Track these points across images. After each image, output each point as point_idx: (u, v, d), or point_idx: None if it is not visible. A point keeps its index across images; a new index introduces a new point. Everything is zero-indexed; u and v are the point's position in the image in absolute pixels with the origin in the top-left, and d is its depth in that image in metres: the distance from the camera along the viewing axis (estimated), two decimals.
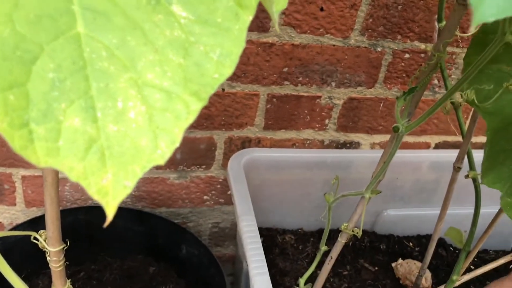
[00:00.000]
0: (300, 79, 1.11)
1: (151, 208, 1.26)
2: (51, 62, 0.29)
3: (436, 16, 1.01)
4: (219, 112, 1.12)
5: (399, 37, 1.09)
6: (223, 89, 1.09)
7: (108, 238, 1.18)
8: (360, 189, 0.83)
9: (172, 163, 1.19)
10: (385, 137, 1.26)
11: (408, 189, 1.28)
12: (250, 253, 0.91)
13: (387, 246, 1.30)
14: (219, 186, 1.26)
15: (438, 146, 1.30)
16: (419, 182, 1.28)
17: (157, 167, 1.17)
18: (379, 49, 1.10)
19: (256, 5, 0.33)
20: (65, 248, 0.70)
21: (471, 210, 0.94)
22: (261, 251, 0.91)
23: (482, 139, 1.32)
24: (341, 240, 0.89)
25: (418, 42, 1.11)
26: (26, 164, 1.13)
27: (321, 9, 1.02)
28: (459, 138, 1.27)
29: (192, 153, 1.18)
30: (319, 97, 1.15)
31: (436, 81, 1.18)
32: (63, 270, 0.72)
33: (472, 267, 1.25)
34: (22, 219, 1.21)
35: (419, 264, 1.21)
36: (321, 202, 1.20)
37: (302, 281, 0.97)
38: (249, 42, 1.03)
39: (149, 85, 0.31)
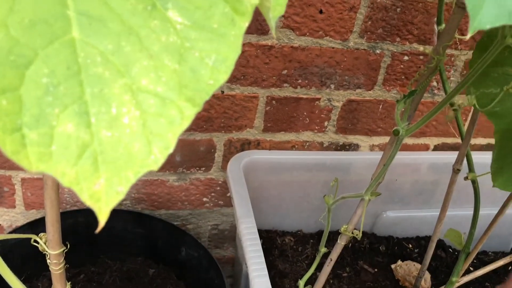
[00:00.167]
0: (299, 81, 1.11)
1: (151, 210, 1.26)
2: (45, 67, 0.29)
3: (435, 18, 1.01)
4: (219, 114, 1.12)
5: (398, 39, 1.09)
6: (223, 92, 1.09)
7: (107, 241, 1.18)
8: (359, 190, 0.83)
9: (172, 165, 1.19)
10: (384, 139, 1.25)
11: (407, 191, 1.28)
12: (250, 255, 0.91)
13: (387, 247, 1.30)
14: (218, 188, 1.26)
15: (437, 148, 1.30)
16: (418, 184, 1.28)
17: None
18: (378, 51, 1.10)
19: (252, 12, 0.33)
20: (65, 250, 0.70)
21: (470, 212, 0.94)
22: (260, 253, 0.91)
23: (481, 140, 1.32)
24: (341, 242, 0.89)
25: (417, 44, 1.11)
26: None
27: (320, 12, 1.02)
28: (458, 140, 1.27)
29: (191, 155, 1.18)
30: (318, 99, 1.15)
31: (435, 83, 1.18)
32: (63, 272, 0.72)
33: (471, 268, 1.25)
34: (21, 221, 1.21)
35: (418, 265, 1.21)
36: (321, 204, 1.20)
37: (301, 282, 0.97)
38: (248, 44, 1.03)
39: (144, 90, 0.31)
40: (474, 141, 1.32)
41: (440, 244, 1.31)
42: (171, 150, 0.31)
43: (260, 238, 0.95)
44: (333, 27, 1.05)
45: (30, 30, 0.29)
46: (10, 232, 1.18)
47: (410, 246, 1.31)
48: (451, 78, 1.18)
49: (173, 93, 0.31)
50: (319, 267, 0.96)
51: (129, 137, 0.30)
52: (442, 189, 1.09)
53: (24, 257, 1.04)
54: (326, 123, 1.19)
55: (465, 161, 0.92)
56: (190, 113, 0.31)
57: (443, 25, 0.79)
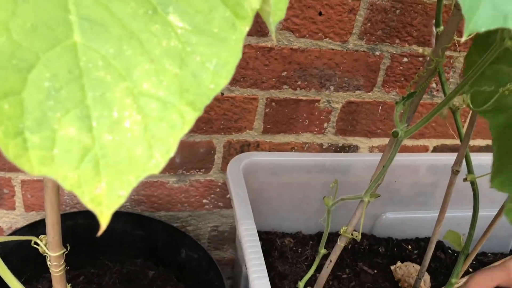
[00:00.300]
0: (299, 83, 1.11)
1: (151, 211, 1.26)
2: (47, 71, 0.30)
3: (434, 20, 1.01)
4: (218, 116, 1.12)
5: (397, 41, 1.10)
6: (222, 93, 1.09)
7: (107, 242, 1.18)
8: (358, 192, 0.83)
9: (172, 167, 1.19)
10: (384, 141, 1.26)
11: (406, 192, 1.28)
12: (250, 257, 0.91)
13: (386, 249, 1.30)
14: (218, 189, 1.26)
15: (436, 149, 1.31)
16: (417, 185, 1.28)
17: None
18: (377, 53, 1.10)
19: (253, 16, 0.33)
20: (65, 252, 0.70)
21: (469, 213, 0.94)
22: (260, 255, 0.92)
23: (480, 142, 1.32)
24: (340, 244, 0.89)
25: (416, 46, 1.11)
26: None
27: (320, 14, 1.02)
28: (457, 142, 1.28)
29: (191, 157, 1.18)
30: (318, 101, 1.15)
31: (434, 85, 1.19)
32: (63, 274, 0.72)
33: (470, 269, 1.25)
34: (21, 223, 1.21)
35: (418, 267, 1.21)
36: (320, 205, 1.20)
37: (301, 284, 0.98)
38: (248, 46, 1.04)
39: (145, 94, 0.31)
40: (473, 142, 1.32)
41: (440, 245, 1.31)
42: (172, 154, 0.31)
43: (260, 240, 0.95)
44: (333, 29, 1.05)
45: (32, 34, 0.30)
46: (10, 234, 1.18)
47: (410, 247, 1.31)
48: (450, 80, 1.18)
49: (175, 97, 0.31)
50: (319, 269, 0.96)
51: (131, 141, 0.31)
52: (441, 191, 1.09)
53: (24, 259, 1.04)
54: (325, 125, 1.19)
55: (464, 163, 0.92)
56: (191, 117, 0.32)
57: (442, 27, 0.79)
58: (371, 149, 1.27)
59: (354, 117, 1.19)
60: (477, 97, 0.72)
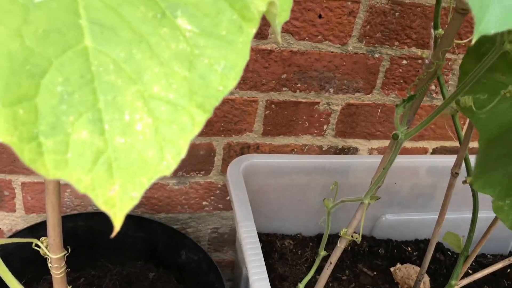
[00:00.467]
0: (299, 85, 1.12)
1: (151, 214, 1.26)
2: (60, 76, 0.30)
3: (433, 23, 1.02)
4: (218, 118, 1.13)
5: (396, 43, 1.10)
6: None
7: (107, 244, 1.18)
8: (358, 193, 0.83)
9: None
10: (383, 143, 1.26)
11: (406, 194, 1.29)
12: (250, 259, 0.92)
13: (386, 250, 1.31)
14: (218, 191, 1.26)
15: (435, 151, 1.31)
16: (417, 187, 1.28)
17: None
18: (376, 55, 1.11)
19: (259, 19, 0.33)
20: (66, 255, 0.71)
21: (468, 215, 0.95)
22: (260, 257, 0.92)
23: None
24: (340, 246, 0.89)
25: (416, 48, 1.12)
26: (25, 171, 1.13)
27: (320, 16, 1.03)
28: (456, 144, 1.28)
29: (191, 159, 1.18)
30: (318, 103, 1.15)
31: (433, 87, 1.19)
32: (64, 276, 0.73)
33: (470, 271, 1.26)
34: (21, 225, 1.21)
35: (417, 268, 1.22)
36: (320, 207, 1.21)
37: (301, 286, 0.98)
38: None
39: (155, 97, 0.31)
40: (472, 144, 1.33)
41: (439, 247, 1.32)
42: (183, 155, 0.32)
43: (260, 242, 0.95)
44: (332, 32, 1.06)
45: (44, 39, 0.30)
46: (11, 236, 1.18)
47: (409, 249, 1.32)
48: (449, 82, 1.19)
49: (184, 100, 0.32)
50: (319, 270, 0.97)
51: (142, 143, 0.31)
52: (440, 192, 1.10)
53: (25, 261, 1.04)
54: (325, 127, 1.20)
55: (463, 165, 0.92)
56: (201, 119, 0.32)
57: (440, 30, 0.79)
58: (371, 151, 1.27)
59: (353, 119, 1.20)
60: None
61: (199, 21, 0.33)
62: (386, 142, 1.26)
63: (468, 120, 1.26)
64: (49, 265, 0.71)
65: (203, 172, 1.22)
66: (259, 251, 0.93)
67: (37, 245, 0.71)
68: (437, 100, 1.21)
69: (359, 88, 1.15)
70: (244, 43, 0.33)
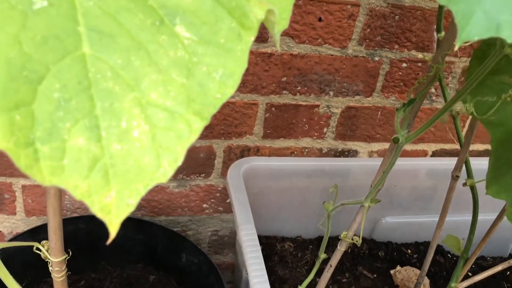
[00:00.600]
0: (299, 88, 1.12)
1: (151, 216, 1.26)
2: (57, 82, 0.30)
3: (435, 26, 1.02)
4: (219, 121, 1.13)
5: (396, 46, 1.10)
6: None
7: (108, 247, 1.18)
8: (358, 196, 0.83)
9: None
10: (383, 145, 1.26)
11: (406, 197, 1.29)
12: (250, 261, 0.92)
13: (386, 253, 1.31)
14: (218, 194, 1.26)
15: (435, 154, 1.31)
16: (416, 190, 1.28)
17: None
18: (376, 58, 1.11)
19: (258, 27, 0.33)
20: (67, 258, 0.71)
21: (468, 217, 0.95)
22: (261, 259, 0.92)
23: (479, 146, 1.33)
24: (341, 248, 0.89)
25: (415, 51, 1.12)
26: (26, 174, 1.13)
27: (319, 20, 1.03)
28: (456, 146, 1.28)
29: (191, 161, 1.18)
30: (318, 106, 1.15)
31: (433, 90, 1.19)
32: (65, 280, 0.73)
33: (470, 273, 1.26)
34: (22, 228, 1.21)
35: (417, 271, 1.22)
36: (320, 209, 1.21)
37: None
38: None
39: (153, 104, 0.32)
40: (472, 147, 1.33)
41: (439, 249, 1.32)
42: (179, 163, 0.32)
43: (260, 244, 0.96)
44: (332, 35, 1.06)
45: (42, 46, 0.30)
46: (11, 239, 1.18)
47: (409, 251, 1.32)
48: (450, 85, 1.19)
49: (182, 107, 0.32)
50: (319, 273, 0.97)
51: (139, 150, 0.31)
52: (440, 195, 1.10)
53: (25, 264, 1.04)
54: (325, 130, 1.20)
55: (463, 167, 0.92)
56: (198, 126, 0.32)
57: (443, 33, 0.79)
58: (371, 154, 1.28)
59: (353, 122, 1.20)
60: (478, 107, 0.72)
61: (197, 29, 0.33)
62: (386, 145, 1.26)
63: (468, 122, 1.26)
64: (50, 268, 0.71)
65: (203, 174, 1.22)
66: (260, 254, 0.93)
67: (38, 249, 0.71)
68: (437, 103, 1.21)
69: (359, 91, 1.15)
70: (243, 51, 0.33)
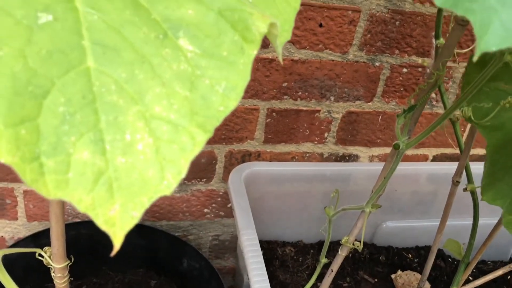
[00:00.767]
0: (300, 93, 1.12)
1: (152, 221, 1.27)
2: (62, 96, 0.30)
3: (434, 32, 1.02)
4: (220, 126, 1.13)
5: (397, 52, 1.10)
6: None
7: (109, 252, 1.18)
8: (358, 201, 0.84)
9: None
10: (384, 150, 1.26)
11: (406, 201, 1.29)
12: (252, 267, 0.92)
13: (387, 257, 1.31)
14: (219, 199, 1.27)
15: (436, 159, 1.31)
16: (417, 194, 1.29)
17: None
18: (377, 63, 1.11)
19: (261, 40, 0.34)
20: (69, 264, 0.71)
21: (469, 222, 0.95)
22: (262, 265, 0.92)
23: (480, 151, 1.33)
24: (342, 253, 0.90)
25: (416, 56, 1.12)
26: None
27: (320, 25, 1.03)
28: (456, 151, 1.28)
29: (192, 166, 1.18)
30: (318, 111, 1.16)
31: (433, 95, 1.19)
32: (67, 285, 0.73)
33: (470, 278, 1.26)
34: (23, 233, 1.22)
35: (418, 275, 1.22)
36: (321, 214, 1.21)
37: None
38: None
39: (157, 117, 0.32)
40: (472, 151, 1.33)
41: (440, 254, 1.32)
42: (183, 175, 0.32)
43: (261, 249, 0.96)
44: (333, 40, 1.06)
45: (47, 60, 0.30)
46: (13, 244, 1.19)
47: (410, 256, 1.32)
48: (450, 90, 1.19)
49: (185, 120, 0.32)
50: (320, 278, 0.97)
51: (143, 163, 0.31)
52: (441, 199, 1.10)
53: (27, 269, 1.04)
54: (326, 135, 1.20)
55: (464, 172, 0.93)
56: (201, 139, 0.32)
57: (441, 39, 0.80)
58: (371, 159, 1.28)
59: (354, 127, 1.20)
60: (475, 113, 0.73)
61: (200, 42, 0.33)
62: (386, 150, 1.26)
63: (468, 128, 1.26)
64: (53, 274, 0.72)
65: (205, 179, 1.22)
66: (261, 259, 0.93)
67: (40, 255, 0.71)
68: (438, 108, 1.21)
69: (359, 96, 1.16)
70: (245, 64, 0.34)
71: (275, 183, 1.18)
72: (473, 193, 0.92)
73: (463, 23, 0.69)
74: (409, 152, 1.29)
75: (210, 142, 1.15)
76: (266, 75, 1.08)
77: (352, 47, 1.08)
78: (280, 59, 0.37)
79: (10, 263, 1.06)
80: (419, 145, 1.28)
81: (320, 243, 1.30)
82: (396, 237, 1.32)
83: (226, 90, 0.33)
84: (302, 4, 1.01)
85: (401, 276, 1.23)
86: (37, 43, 0.30)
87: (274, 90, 1.10)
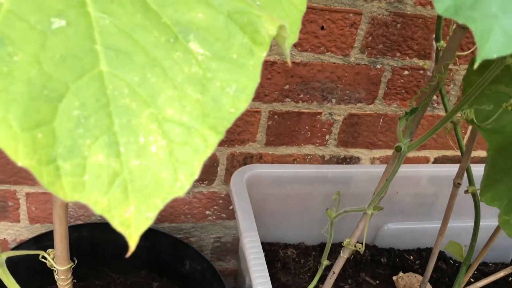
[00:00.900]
0: (301, 96, 1.12)
1: (154, 223, 1.27)
2: (76, 100, 0.31)
3: (433, 35, 1.03)
4: None
5: (398, 54, 1.11)
6: None
7: (111, 254, 1.19)
8: (360, 203, 0.84)
9: None
10: (385, 152, 1.27)
11: (408, 203, 1.30)
12: (254, 269, 0.92)
13: (388, 259, 1.31)
14: (221, 201, 1.27)
15: (437, 161, 1.32)
16: (418, 196, 1.29)
17: None
18: (378, 66, 1.12)
19: (270, 42, 0.34)
20: (72, 266, 0.71)
21: (470, 223, 0.95)
22: (264, 267, 0.92)
23: (481, 153, 1.33)
24: (343, 255, 0.90)
25: (417, 59, 1.13)
26: (30, 181, 1.14)
27: (322, 28, 1.04)
28: (458, 153, 1.29)
29: None
30: (320, 113, 1.16)
31: (435, 97, 1.20)
32: (70, 287, 0.73)
33: (472, 280, 1.26)
34: (26, 235, 1.22)
35: (419, 277, 1.22)
36: (322, 216, 1.21)
37: None
38: None
39: (169, 120, 0.32)
40: (473, 153, 1.33)
41: (441, 255, 1.32)
42: (196, 177, 0.32)
43: (263, 251, 0.96)
44: (335, 43, 1.07)
45: (61, 65, 0.31)
46: (16, 247, 1.19)
47: (411, 258, 1.32)
48: (451, 92, 1.19)
49: (197, 122, 0.33)
50: (322, 280, 0.97)
51: (157, 165, 0.32)
52: (442, 201, 1.10)
53: (30, 271, 1.05)
54: (327, 137, 1.21)
55: (465, 174, 0.93)
56: (213, 140, 0.33)
57: (442, 42, 0.80)
58: (373, 161, 1.28)
59: (355, 129, 1.21)
60: (476, 115, 0.73)
61: (211, 45, 0.34)
62: (387, 152, 1.27)
63: (469, 130, 1.27)
64: (56, 276, 0.72)
65: (206, 182, 1.22)
66: (263, 261, 0.94)
67: (43, 257, 0.72)
68: (439, 110, 1.22)
69: (361, 99, 1.16)
70: (255, 66, 0.34)
71: (276, 185, 1.19)
72: (474, 195, 0.93)
73: (464, 26, 0.70)
74: (410, 154, 1.29)
75: None
76: (268, 77, 1.08)
77: (354, 49, 1.09)
78: (288, 61, 0.37)
79: (13, 265, 1.06)
80: (420, 147, 1.28)
81: (322, 245, 1.31)
82: (398, 239, 1.33)
83: (237, 92, 0.33)
84: None
85: (402, 278, 1.24)
86: (51, 48, 0.31)
87: (276, 92, 1.11)
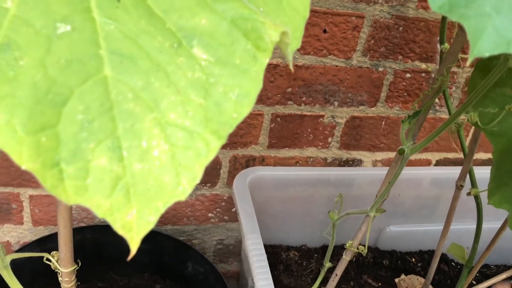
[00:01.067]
0: (304, 99, 1.13)
1: (157, 226, 1.27)
2: (80, 104, 0.31)
3: (438, 38, 1.03)
4: None
5: (400, 57, 1.11)
6: None
7: (114, 257, 1.19)
8: (362, 205, 0.84)
9: None
10: (387, 154, 1.27)
11: (410, 205, 1.30)
12: (256, 271, 0.92)
13: (390, 261, 1.31)
14: (223, 203, 1.27)
15: (439, 163, 1.32)
16: (420, 199, 1.29)
17: None
18: (380, 69, 1.12)
19: (273, 48, 0.34)
20: (76, 268, 0.72)
21: (472, 226, 0.95)
22: (267, 269, 0.93)
23: (483, 155, 1.34)
24: (346, 258, 0.90)
25: (419, 62, 1.13)
26: (33, 184, 1.14)
27: (324, 31, 1.04)
28: (460, 155, 1.29)
29: None
30: (322, 116, 1.16)
31: (437, 100, 1.20)
32: None
33: (474, 282, 1.26)
34: (29, 237, 1.22)
35: (422, 279, 1.22)
36: (325, 218, 1.21)
37: None
38: None
39: (172, 124, 0.33)
40: (475, 156, 1.34)
41: (443, 258, 1.33)
42: (198, 180, 0.33)
43: (265, 253, 0.96)
44: (337, 46, 1.07)
45: (66, 69, 0.31)
46: (19, 249, 1.19)
47: (414, 260, 1.33)
48: (453, 95, 1.20)
49: (200, 127, 0.33)
50: (324, 282, 0.97)
51: (159, 169, 0.32)
52: (444, 204, 1.10)
53: (34, 273, 1.05)
54: (329, 139, 1.21)
55: (467, 176, 0.93)
56: (215, 145, 0.33)
57: (446, 44, 0.80)
58: (375, 163, 1.28)
59: (358, 131, 1.21)
60: (481, 118, 0.73)
61: (214, 51, 0.34)
62: (390, 154, 1.27)
63: (471, 132, 1.27)
64: (60, 278, 0.72)
65: (209, 184, 1.23)
66: (266, 263, 0.94)
67: (47, 259, 0.72)
68: (441, 113, 1.22)
69: (363, 101, 1.16)
70: (258, 72, 0.34)
71: (279, 187, 1.19)
72: (476, 197, 0.93)
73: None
74: (413, 156, 1.29)
75: None
76: (271, 80, 1.08)
77: (356, 52, 1.09)
78: (291, 66, 0.38)
79: (17, 267, 1.07)
80: (422, 149, 1.28)
81: (324, 247, 1.31)
82: (400, 241, 1.33)
83: (239, 97, 0.34)
84: None
85: (404, 280, 1.24)
86: (56, 53, 0.31)
87: (279, 95, 1.11)
